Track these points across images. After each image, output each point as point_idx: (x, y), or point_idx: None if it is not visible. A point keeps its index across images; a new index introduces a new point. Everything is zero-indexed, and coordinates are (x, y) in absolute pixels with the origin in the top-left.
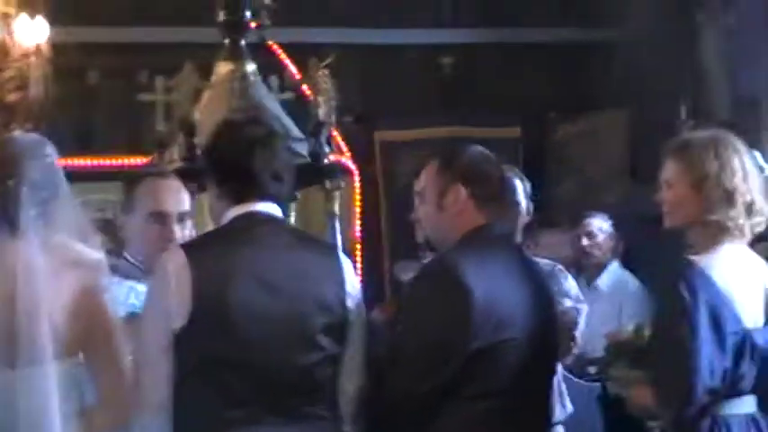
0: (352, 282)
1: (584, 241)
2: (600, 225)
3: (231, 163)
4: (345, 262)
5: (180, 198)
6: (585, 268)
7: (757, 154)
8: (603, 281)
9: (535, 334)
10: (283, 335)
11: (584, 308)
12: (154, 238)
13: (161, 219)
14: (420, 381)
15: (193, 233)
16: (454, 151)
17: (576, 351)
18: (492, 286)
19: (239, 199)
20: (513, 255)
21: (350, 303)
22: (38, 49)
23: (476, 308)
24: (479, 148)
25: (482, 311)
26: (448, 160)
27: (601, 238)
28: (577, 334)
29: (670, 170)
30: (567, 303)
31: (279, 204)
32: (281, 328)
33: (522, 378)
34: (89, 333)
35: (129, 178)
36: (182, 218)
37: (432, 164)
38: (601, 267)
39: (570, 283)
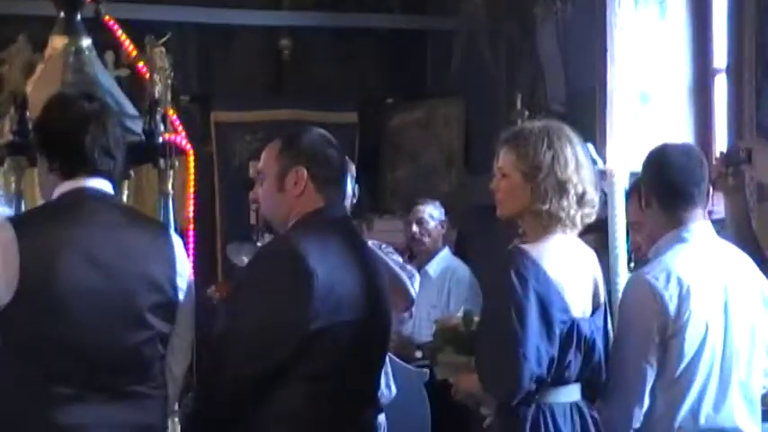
0: (183, 261)
1: (415, 227)
2: (431, 212)
3: (61, 137)
4: (177, 241)
5: None
6: (416, 255)
7: (590, 146)
8: (433, 267)
9: (369, 316)
10: (110, 313)
11: (416, 275)
12: None
13: None
14: (253, 361)
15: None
16: (296, 132)
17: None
18: (331, 268)
19: (69, 174)
20: (350, 238)
21: (179, 283)
22: None
23: (317, 289)
24: (321, 130)
25: (322, 293)
26: (290, 141)
27: (431, 225)
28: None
29: (503, 159)
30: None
31: (110, 181)
32: (107, 307)
33: (353, 360)
34: None
35: None
36: None
37: (273, 144)
38: (431, 254)
39: (397, 257)
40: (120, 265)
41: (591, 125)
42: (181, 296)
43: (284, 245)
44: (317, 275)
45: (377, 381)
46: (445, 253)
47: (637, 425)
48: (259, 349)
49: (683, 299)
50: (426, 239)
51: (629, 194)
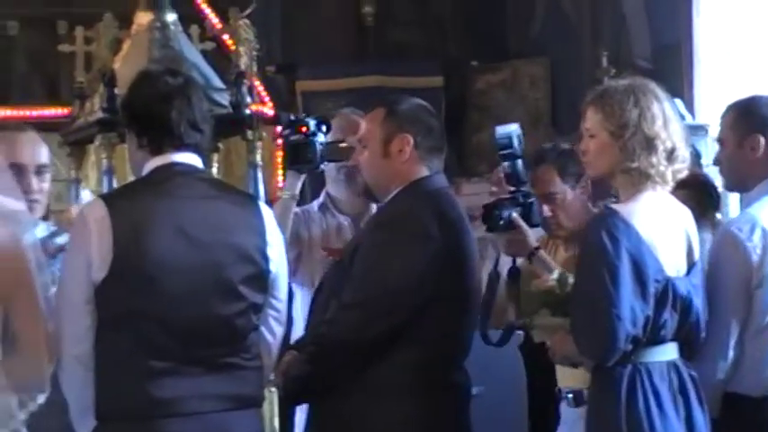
0: (273, 232)
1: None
2: None
3: (148, 113)
4: (266, 212)
5: (37, 150)
6: None
7: (678, 101)
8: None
9: (473, 282)
10: (202, 285)
11: None
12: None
13: (19, 170)
14: (375, 324)
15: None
16: (398, 100)
17: None
18: (448, 235)
19: (157, 149)
20: (454, 207)
21: (270, 253)
22: None
23: (438, 255)
24: (419, 100)
25: (442, 259)
26: (394, 109)
27: None
28: None
29: (590, 120)
30: None
31: (198, 155)
32: (199, 279)
33: (457, 325)
34: (9, 286)
35: None
36: (39, 170)
37: (376, 112)
38: None
39: None
40: (211, 237)
41: (678, 80)
42: (272, 266)
43: (404, 211)
44: (436, 241)
45: (469, 346)
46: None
47: (721, 376)
48: (382, 312)
49: (766, 249)
50: None
51: (539, 164)
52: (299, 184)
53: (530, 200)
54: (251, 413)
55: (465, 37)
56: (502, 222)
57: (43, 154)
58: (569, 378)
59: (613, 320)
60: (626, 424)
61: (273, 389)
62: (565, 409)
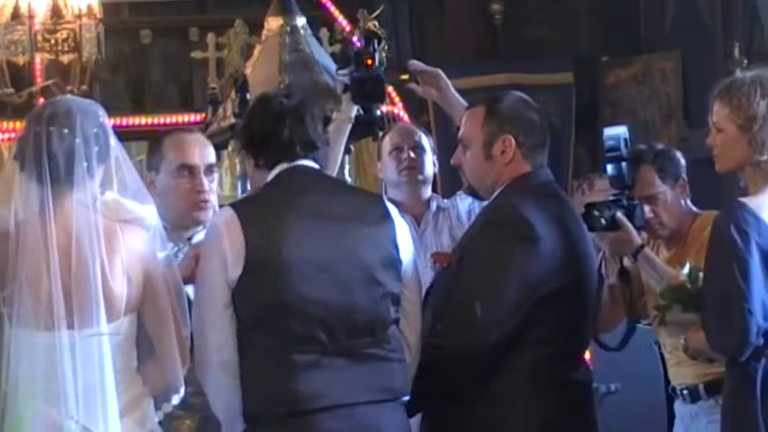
0: (400, 224)
1: None
2: None
3: (262, 133)
4: (392, 208)
5: (206, 151)
6: None
7: None
8: None
9: (585, 279)
10: (339, 274)
11: None
12: (185, 191)
13: (190, 171)
14: (490, 330)
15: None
16: (498, 98)
17: None
18: (554, 233)
19: (275, 165)
20: (560, 201)
21: (400, 241)
22: (90, 10)
23: (545, 254)
24: (520, 94)
25: (550, 258)
26: (494, 108)
27: None
28: None
29: (717, 113)
30: None
31: (318, 163)
32: (335, 268)
33: (573, 322)
34: (144, 292)
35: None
36: (209, 170)
37: (476, 110)
38: None
39: None
40: (343, 226)
41: None
42: (404, 257)
43: (511, 212)
44: (545, 240)
45: (587, 342)
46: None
47: None
48: (498, 319)
49: None
50: None
51: (637, 165)
52: (355, 110)
53: (633, 202)
54: (400, 408)
55: (596, 32)
56: (604, 222)
57: (211, 154)
58: (683, 375)
59: (745, 315)
60: (763, 419)
61: None
62: (680, 407)
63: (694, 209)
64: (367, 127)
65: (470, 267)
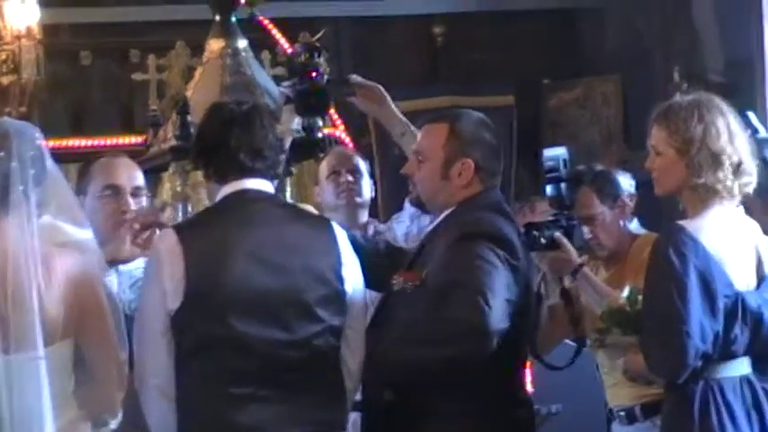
0: (348, 253)
1: None
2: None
3: (209, 141)
4: (340, 233)
5: (133, 173)
6: None
7: (751, 114)
8: None
9: (532, 296)
10: (279, 309)
11: None
12: (109, 212)
13: (116, 191)
14: (496, 335)
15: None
16: (460, 117)
17: None
18: (521, 251)
19: (223, 178)
20: (513, 221)
21: (346, 274)
22: (29, 31)
23: (521, 265)
24: (480, 115)
25: (522, 269)
26: (457, 128)
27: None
28: None
29: (655, 137)
30: None
31: (268, 180)
32: (275, 302)
33: (520, 341)
34: (81, 316)
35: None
36: (136, 193)
37: (438, 127)
38: None
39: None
40: (285, 260)
41: (751, 93)
42: (348, 287)
43: (489, 228)
44: (518, 252)
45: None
46: (634, 226)
47: None
48: (497, 327)
49: None
50: None
51: (577, 187)
52: (296, 122)
53: (572, 222)
54: None
55: (537, 55)
56: (543, 242)
57: (139, 177)
58: (620, 396)
59: (683, 337)
60: None
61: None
62: (617, 428)
63: (633, 230)
64: (309, 148)
65: (452, 282)
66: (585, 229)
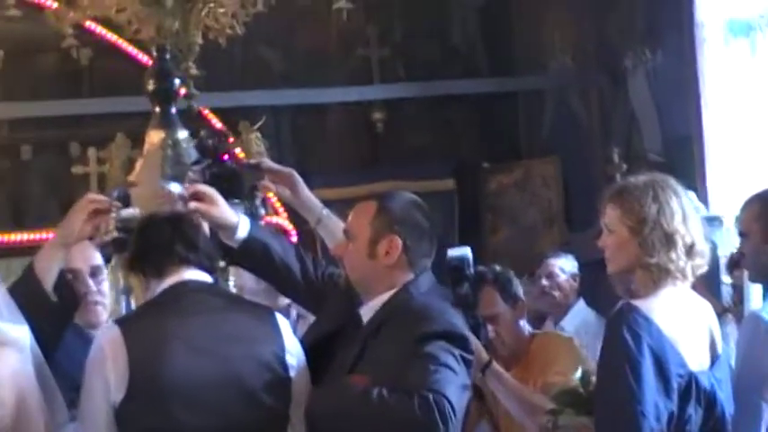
0: (291, 340)
1: (544, 281)
2: (562, 265)
3: (147, 242)
4: (282, 322)
5: (88, 254)
6: (547, 313)
7: (691, 193)
8: (567, 322)
9: None
10: (223, 398)
11: None
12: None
13: (75, 276)
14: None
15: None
16: (390, 196)
17: None
18: None
19: (159, 272)
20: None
21: (290, 360)
22: None
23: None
24: (413, 196)
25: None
26: (385, 206)
27: (562, 278)
28: None
29: (608, 215)
30: None
31: (205, 271)
32: (220, 392)
33: None
34: (20, 417)
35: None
36: (94, 272)
37: (366, 205)
38: (564, 309)
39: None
40: (227, 349)
41: (690, 172)
42: (293, 373)
43: (436, 323)
44: (470, 345)
45: None
46: (579, 306)
47: None
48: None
49: None
50: (556, 293)
51: (479, 286)
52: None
53: (478, 321)
54: None
55: (476, 138)
56: None
57: (95, 256)
58: None
59: (638, 417)
60: None
61: None
62: None
63: (529, 329)
64: None
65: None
66: (490, 328)
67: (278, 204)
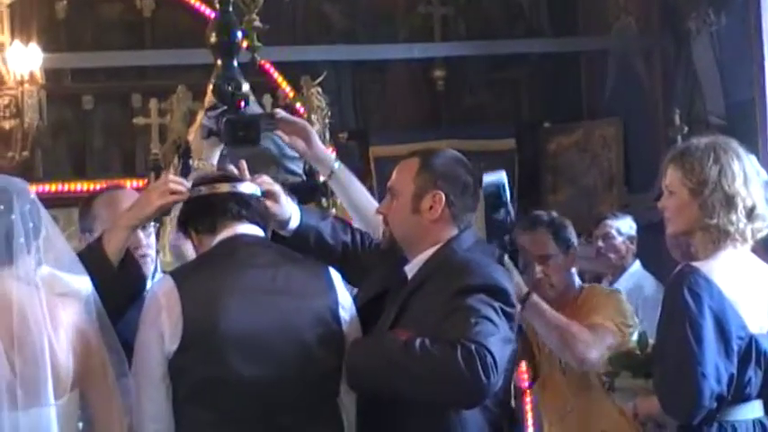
0: (344, 294)
1: (600, 243)
2: (618, 226)
3: (197, 198)
4: (335, 276)
5: None
6: (603, 274)
7: (753, 158)
8: (621, 285)
9: None
10: (277, 350)
11: None
12: None
13: None
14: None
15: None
16: (434, 153)
17: None
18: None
19: (212, 229)
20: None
21: (343, 314)
22: (32, 76)
23: (514, 316)
24: (457, 153)
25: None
26: (428, 162)
27: (618, 240)
28: None
29: (669, 177)
30: None
31: (259, 227)
32: (274, 344)
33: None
34: (86, 366)
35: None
36: (143, 225)
37: (410, 161)
38: (618, 271)
39: None
40: (281, 302)
41: (752, 136)
42: (345, 327)
43: (475, 277)
44: (511, 299)
45: None
46: (635, 269)
47: None
48: (476, 395)
49: None
50: (612, 255)
51: (535, 227)
52: (218, 156)
53: (516, 249)
54: None
55: (537, 99)
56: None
57: None
58: None
59: (698, 378)
60: None
61: None
62: None
63: (579, 282)
64: (310, 193)
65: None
66: (538, 269)
67: None
